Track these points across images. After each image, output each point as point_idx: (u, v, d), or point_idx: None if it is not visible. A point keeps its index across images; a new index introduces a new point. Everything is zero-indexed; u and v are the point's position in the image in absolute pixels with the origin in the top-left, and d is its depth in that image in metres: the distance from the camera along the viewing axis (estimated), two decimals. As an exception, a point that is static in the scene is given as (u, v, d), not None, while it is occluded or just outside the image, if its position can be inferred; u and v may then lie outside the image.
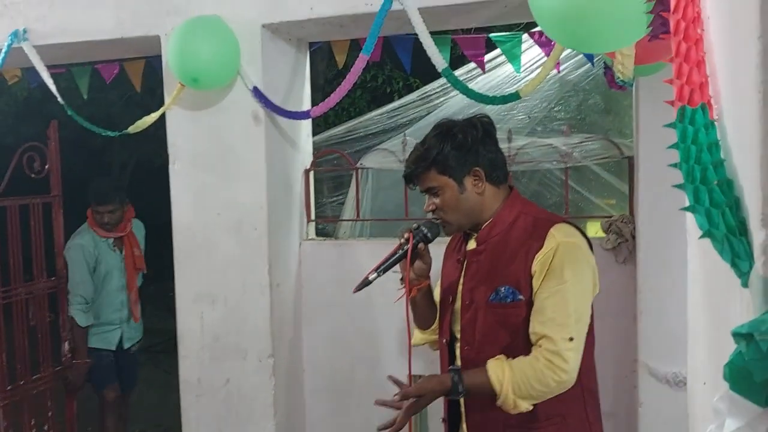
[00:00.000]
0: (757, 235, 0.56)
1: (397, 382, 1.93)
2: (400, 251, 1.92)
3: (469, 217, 1.87)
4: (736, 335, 0.54)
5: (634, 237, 2.88)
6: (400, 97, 7.55)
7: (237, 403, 3.08)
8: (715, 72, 0.73)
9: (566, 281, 1.72)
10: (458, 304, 1.92)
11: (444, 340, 1.98)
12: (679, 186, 0.68)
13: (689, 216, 0.91)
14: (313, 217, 3.40)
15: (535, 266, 1.76)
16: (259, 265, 3.02)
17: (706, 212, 0.63)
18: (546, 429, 1.80)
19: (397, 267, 1.96)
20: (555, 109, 3.72)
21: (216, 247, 3.07)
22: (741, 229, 0.60)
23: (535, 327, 1.74)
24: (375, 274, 1.89)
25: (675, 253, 2.69)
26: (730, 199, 0.62)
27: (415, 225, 1.95)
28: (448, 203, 1.85)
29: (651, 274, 2.74)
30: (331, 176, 4.43)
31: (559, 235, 1.77)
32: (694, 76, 0.72)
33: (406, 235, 1.91)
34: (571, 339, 1.69)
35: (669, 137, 2.71)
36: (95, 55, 3.49)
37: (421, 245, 1.93)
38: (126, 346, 4.17)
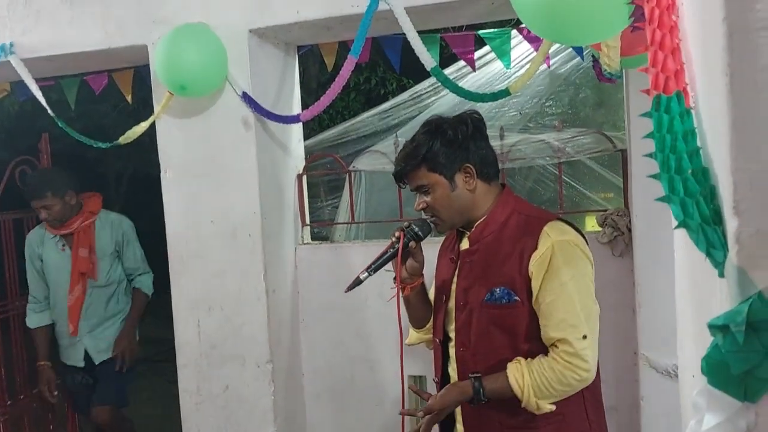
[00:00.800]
0: (730, 224, 0.55)
1: (418, 392, 1.93)
2: (391, 250, 1.90)
3: (461, 214, 1.86)
4: (712, 327, 0.53)
5: (629, 230, 2.87)
6: (395, 98, 7.55)
7: (237, 410, 3.07)
8: (690, 59, 0.71)
9: (567, 280, 1.71)
10: (452, 303, 1.91)
11: (438, 339, 1.97)
12: (654, 176, 0.66)
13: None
14: (307, 221, 3.39)
15: (532, 268, 1.74)
16: (255, 271, 3.01)
17: (681, 202, 0.61)
18: (545, 428, 1.79)
19: (390, 266, 1.95)
20: (546, 104, 3.70)
21: (211, 255, 3.06)
22: (715, 219, 0.59)
23: (549, 332, 1.73)
24: (366, 274, 1.88)
25: (671, 246, 2.67)
26: (705, 188, 0.61)
27: (406, 223, 1.93)
28: (439, 201, 1.84)
29: (648, 267, 2.72)
30: (326, 180, 4.42)
31: (553, 233, 1.76)
32: (669, 63, 0.71)
33: (397, 234, 1.90)
34: (584, 337, 1.70)
35: (660, 128, 2.67)
36: (83, 66, 3.48)
37: (412, 243, 1.91)
38: (97, 361, 3.60)
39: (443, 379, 1.96)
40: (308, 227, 3.40)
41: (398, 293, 1.92)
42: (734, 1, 0.53)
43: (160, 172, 3.10)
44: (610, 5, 1.39)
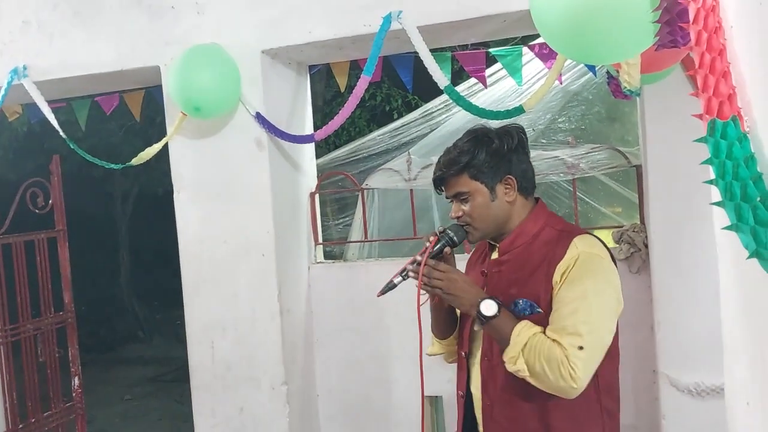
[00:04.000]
0: (811, 256, 0.54)
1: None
2: (430, 281, 1.80)
3: (496, 225, 1.83)
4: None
5: (646, 246, 2.85)
6: (400, 114, 7.56)
7: (252, 433, 3.04)
8: (744, 82, 0.70)
9: (584, 291, 1.68)
10: None
11: (463, 353, 1.94)
12: (717, 203, 0.65)
13: (719, 232, 0.88)
14: (320, 240, 3.37)
15: (556, 276, 1.72)
16: (269, 292, 2.99)
17: (752, 231, 0.60)
18: None
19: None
20: (559, 120, 3.70)
21: (224, 276, 3.04)
22: (789, 249, 0.58)
23: (547, 332, 1.69)
24: (400, 278, 1.81)
25: (689, 261, 2.66)
26: (776, 216, 0.60)
27: (441, 228, 1.87)
28: (477, 210, 1.81)
29: (666, 283, 2.70)
30: (335, 198, 4.40)
31: (582, 245, 1.74)
32: (722, 87, 0.69)
33: (431, 238, 1.83)
34: (580, 348, 1.64)
35: (678, 145, 2.67)
36: (95, 87, 3.49)
37: (447, 249, 1.85)
38: None
39: (468, 393, 1.92)
40: (321, 246, 3.39)
41: (419, 297, 1.85)
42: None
43: (165, 191, 3.09)
44: (635, 25, 1.38)
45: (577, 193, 3.07)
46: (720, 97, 0.69)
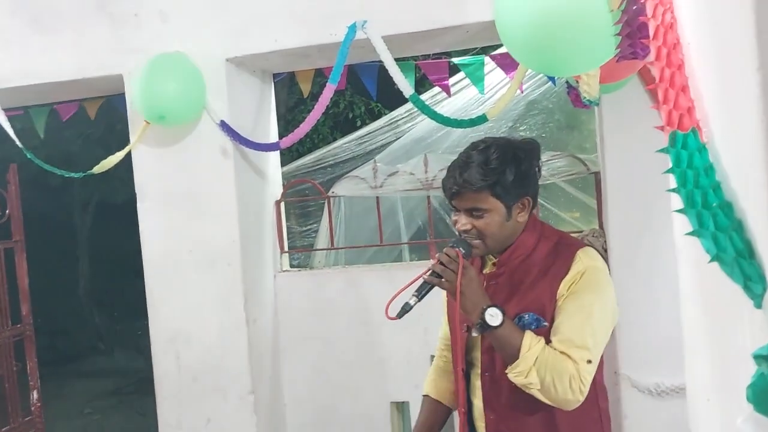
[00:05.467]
0: (770, 257, 0.57)
1: None
2: (445, 269, 1.71)
3: (503, 243, 1.79)
4: (758, 357, 0.55)
5: (606, 250, 2.92)
6: (363, 122, 7.59)
7: (219, 444, 3.02)
8: (701, 96, 0.74)
9: (590, 304, 1.69)
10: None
11: (461, 369, 1.89)
12: (680, 211, 0.68)
13: (679, 238, 0.93)
14: (286, 248, 3.37)
15: (562, 290, 1.72)
16: (235, 301, 2.98)
17: (713, 236, 0.63)
18: None
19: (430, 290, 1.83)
20: (520, 128, 3.77)
21: (190, 285, 3.01)
22: (750, 252, 0.61)
23: (554, 344, 1.69)
24: (415, 299, 1.71)
25: (648, 265, 2.74)
26: (734, 222, 0.63)
27: (452, 242, 1.78)
28: (491, 227, 1.74)
29: (626, 287, 2.76)
30: (299, 206, 4.41)
31: (586, 259, 1.74)
32: (681, 100, 0.73)
33: (452, 252, 1.71)
34: (589, 362, 1.66)
35: (635, 152, 2.75)
36: (55, 96, 3.43)
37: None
38: None
39: (469, 409, 1.92)
40: (287, 254, 3.39)
41: (457, 318, 1.77)
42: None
43: (125, 200, 3.06)
44: (597, 37, 1.43)
45: (539, 199, 3.12)
46: (680, 110, 0.73)
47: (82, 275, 8.96)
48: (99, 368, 7.84)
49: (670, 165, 0.71)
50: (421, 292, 1.72)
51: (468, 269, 1.71)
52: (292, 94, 7.97)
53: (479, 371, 1.86)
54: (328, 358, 3.23)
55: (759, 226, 0.60)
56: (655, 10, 0.80)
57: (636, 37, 1.45)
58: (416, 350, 3.08)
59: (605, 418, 1.87)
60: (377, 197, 3.29)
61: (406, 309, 1.70)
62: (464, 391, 1.90)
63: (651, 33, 0.81)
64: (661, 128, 0.75)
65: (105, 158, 3.02)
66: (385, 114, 6.48)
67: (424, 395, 2.08)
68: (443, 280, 1.70)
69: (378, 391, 3.16)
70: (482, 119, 2.71)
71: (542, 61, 1.54)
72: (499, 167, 1.72)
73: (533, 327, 1.73)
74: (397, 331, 3.10)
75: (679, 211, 0.68)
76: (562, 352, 1.66)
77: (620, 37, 1.44)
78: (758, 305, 0.60)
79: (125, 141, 3.04)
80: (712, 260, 0.63)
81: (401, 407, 3.19)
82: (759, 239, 0.61)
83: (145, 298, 3.07)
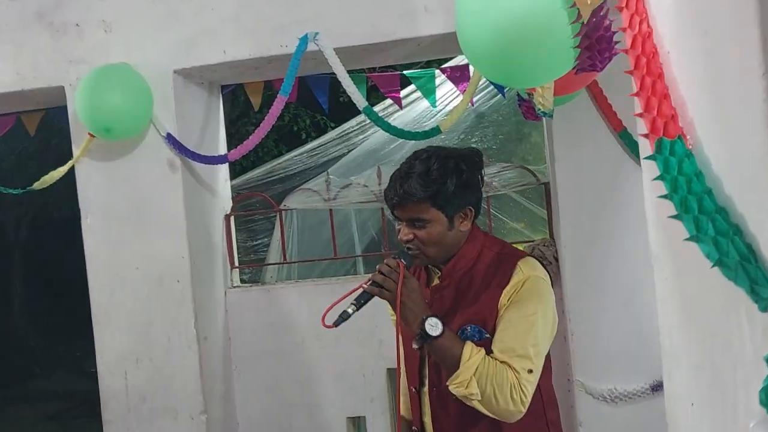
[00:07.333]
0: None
1: None
2: (386, 279, 1.69)
3: (446, 253, 1.79)
4: (771, 360, 0.56)
5: (557, 259, 2.97)
6: (308, 134, 7.54)
7: (170, 467, 2.92)
8: (684, 104, 0.75)
9: (530, 314, 1.69)
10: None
11: (414, 388, 1.89)
12: (674, 217, 0.69)
13: (655, 245, 0.94)
14: (236, 263, 3.30)
15: (503, 300, 1.72)
16: (185, 319, 2.90)
17: (713, 241, 0.64)
18: None
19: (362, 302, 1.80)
20: (472, 140, 3.81)
21: (137, 303, 2.92)
22: (754, 255, 0.62)
23: (495, 354, 1.68)
24: (354, 308, 1.68)
25: (598, 273, 2.79)
26: (732, 227, 0.64)
27: (394, 254, 1.77)
28: (432, 238, 1.73)
29: (577, 295, 2.81)
30: (249, 220, 4.33)
31: (527, 269, 1.75)
32: (665, 108, 0.74)
33: (392, 263, 1.70)
34: (530, 371, 1.66)
35: (585, 162, 2.81)
36: (-8, 108, 3.29)
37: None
38: None
39: (422, 428, 1.90)
40: (237, 270, 3.32)
41: (398, 330, 1.72)
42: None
43: (62, 216, 2.95)
44: (557, 50, 1.45)
45: (492, 210, 3.16)
46: (664, 118, 0.74)
47: (16, 295, 8.57)
48: (39, 392, 7.49)
49: (658, 172, 0.72)
50: (360, 302, 1.69)
51: (409, 279, 1.70)
52: (235, 107, 7.86)
53: (427, 388, 1.85)
54: (281, 374, 3.17)
55: (765, 231, 0.60)
56: (631, 20, 0.81)
57: (595, 49, 1.48)
58: (371, 364, 3.06)
59: (554, 429, 1.87)
60: (330, 210, 3.26)
61: (343, 317, 1.67)
62: (417, 411, 1.90)
63: (628, 43, 0.82)
64: (645, 136, 0.76)
65: (39, 174, 2.90)
66: (331, 128, 6.46)
67: (401, 415, 2.05)
68: (384, 289, 1.68)
69: (334, 407, 3.11)
70: (436, 131, 2.72)
71: (503, 73, 1.56)
72: (440, 178, 1.71)
73: (476, 339, 1.72)
74: (352, 346, 3.08)
75: (674, 217, 0.68)
76: (503, 362, 1.65)
77: (579, 50, 1.47)
78: (763, 309, 0.60)
79: (62, 156, 2.94)
80: (714, 265, 0.64)
81: (357, 422, 3.14)
82: (763, 243, 0.61)
83: (84, 318, 2.96)
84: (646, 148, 0.80)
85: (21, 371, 7.80)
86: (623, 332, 2.72)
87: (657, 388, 2.65)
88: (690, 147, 0.71)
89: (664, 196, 0.70)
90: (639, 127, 0.81)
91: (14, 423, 6.60)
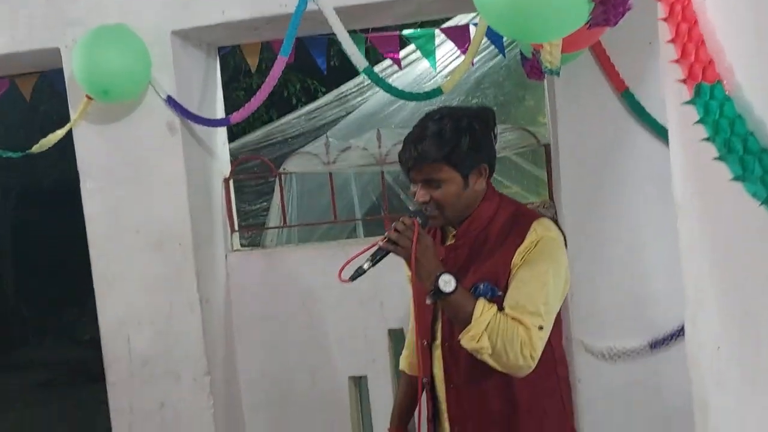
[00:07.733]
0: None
1: None
2: (401, 236, 1.70)
3: (462, 212, 1.81)
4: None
5: (556, 222, 2.98)
6: (298, 99, 7.47)
7: (174, 428, 2.94)
8: (721, 51, 0.76)
9: (543, 272, 1.71)
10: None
11: (425, 341, 1.91)
12: (718, 158, 0.69)
13: (680, 193, 0.94)
14: (236, 227, 3.30)
15: (516, 259, 1.74)
16: (187, 282, 2.90)
17: (761, 180, 0.64)
18: (527, 423, 1.80)
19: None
20: (472, 101, 3.79)
21: (138, 267, 2.91)
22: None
23: (506, 310, 1.70)
24: (369, 263, 1.71)
25: (599, 234, 2.82)
26: (777, 168, 0.65)
27: (409, 213, 1.78)
28: (448, 198, 1.76)
29: (578, 256, 2.83)
30: (248, 184, 4.31)
31: (541, 229, 1.77)
32: (702, 54, 0.74)
33: (407, 221, 1.71)
34: (541, 328, 1.68)
35: (587, 123, 2.81)
36: (-15, 72, 3.23)
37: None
38: None
39: (432, 380, 1.93)
40: (237, 233, 3.32)
41: (415, 292, 1.77)
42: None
43: (51, 183, 2.93)
44: (573, 4, 1.44)
45: (491, 172, 3.16)
46: (701, 63, 0.74)
47: (6, 266, 8.53)
48: (29, 360, 7.51)
49: (689, 121, 0.72)
50: (375, 258, 1.72)
51: (423, 237, 1.72)
52: (224, 72, 7.76)
53: (439, 342, 1.88)
54: (282, 336, 3.20)
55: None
56: (664, -33, 0.81)
57: (609, 3, 1.48)
58: (373, 325, 3.08)
59: (564, 387, 1.91)
60: (330, 173, 3.25)
61: (359, 272, 1.71)
62: (428, 363, 1.92)
63: (661, -10, 0.82)
64: (683, 81, 0.76)
65: (26, 141, 2.85)
66: (322, 93, 6.39)
67: (400, 370, 2.12)
68: (398, 246, 1.71)
69: (335, 368, 3.15)
70: (437, 92, 2.70)
71: (518, 28, 1.55)
72: (454, 137, 1.73)
73: (488, 296, 1.74)
74: (353, 307, 3.10)
75: (719, 158, 0.68)
76: (514, 318, 1.68)
77: (594, 3, 1.46)
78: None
79: (51, 122, 2.89)
80: (763, 203, 0.64)
81: (359, 381, 3.18)
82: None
83: (76, 287, 2.95)
84: (679, 95, 0.80)
85: (13, 341, 7.81)
86: (623, 292, 2.76)
87: (656, 345, 2.69)
88: (728, 92, 0.72)
89: (707, 139, 0.70)
90: (669, 77, 0.81)
91: (6, 390, 6.63)
